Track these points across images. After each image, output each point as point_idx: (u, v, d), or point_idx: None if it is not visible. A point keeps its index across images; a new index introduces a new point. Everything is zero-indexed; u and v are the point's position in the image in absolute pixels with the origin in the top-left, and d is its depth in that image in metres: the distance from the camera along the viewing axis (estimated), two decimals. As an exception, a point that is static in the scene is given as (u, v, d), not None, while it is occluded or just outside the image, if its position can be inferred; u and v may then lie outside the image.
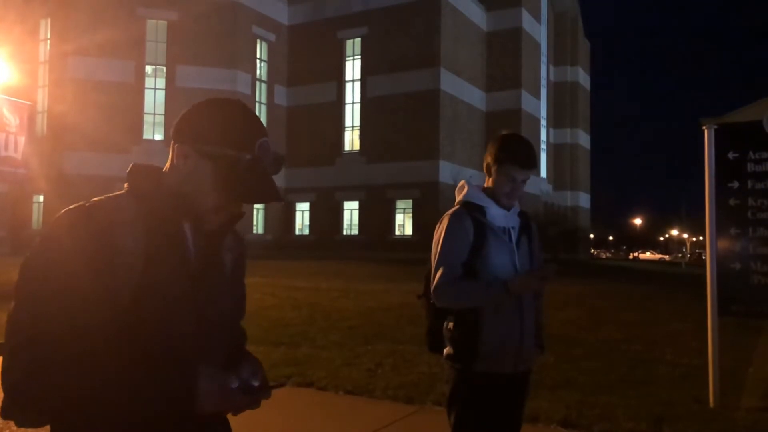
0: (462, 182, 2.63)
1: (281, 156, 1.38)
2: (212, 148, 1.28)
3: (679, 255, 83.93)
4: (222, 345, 1.38)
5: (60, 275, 1.16)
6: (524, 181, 2.49)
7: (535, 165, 2.51)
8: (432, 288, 2.44)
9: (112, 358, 1.16)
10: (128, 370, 1.16)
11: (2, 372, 1.14)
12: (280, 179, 34.32)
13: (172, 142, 1.35)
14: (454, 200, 2.64)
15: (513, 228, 2.52)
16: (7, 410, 1.16)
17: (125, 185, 1.32)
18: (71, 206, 1.24)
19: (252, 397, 1.26)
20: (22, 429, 1.22)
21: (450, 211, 2.54)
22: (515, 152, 2.48)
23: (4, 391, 1.14)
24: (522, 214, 2.61)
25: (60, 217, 1.22)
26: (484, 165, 2.59)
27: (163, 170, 1.34)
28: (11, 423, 4.53)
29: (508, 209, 2.51)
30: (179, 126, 1.32)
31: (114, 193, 1.31)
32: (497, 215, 2.50)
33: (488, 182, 2.54)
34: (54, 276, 1.16)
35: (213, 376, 1.22)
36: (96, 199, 1.26)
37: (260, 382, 1.32)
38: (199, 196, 1.29)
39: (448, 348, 2.50)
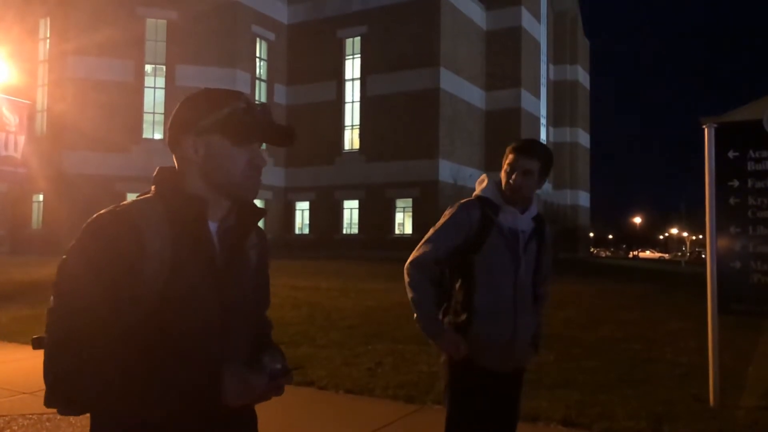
0: (483, 176, 2.64)
1: (267, 105, 1.44)
2: (209, 120, 1.35)
3: (679, 254, 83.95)
4: (248, 338, 1.44)
5: (92, 277, 1.22)
6: (527, 173, 2.46)
7: (532, 153, 2.48)
8: (406, 262, 2.51)
9: (142, 356, 1.23)
10: (158, 367, 1.24)
11: (44, 366, 1.22)
12: (280, 178, 34.34)
13: (170, 148, 1.41)
14: (454, 199, 2.64)
15: (523, 231, 2.50)
16: (49, 400, 1.23)
17: (152, 188, 1.38)
18: (102, 210, 1.31)
19: (276, 383, 1.34)
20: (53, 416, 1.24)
21: (463, 201, 2.56)
22: (515, 143, 2.54)
23: (46, 384, 1.22)
24: (537, 219, 2.58)
25: (92, 221, 1.29)
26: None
27: (178, 173, 1.40)
28: (12, 423, 4.54)
29: (515, 203, 2.49)
30: (172, 130, 1.39)
31: (142, 196, 1.38)
32: (509, 216, 2.49)
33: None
34: (87, 277, 1.23)
35: (237, 374, 1.29)
36: (125, 203, 1.33)
37: (282, 367, 1.38)
38: (225, 170, 1.35)
39: None
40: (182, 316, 1.28)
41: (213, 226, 1.37)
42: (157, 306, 1.26)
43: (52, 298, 1.25)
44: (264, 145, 1.45)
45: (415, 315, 2.48)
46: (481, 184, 2.59)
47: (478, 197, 2.53)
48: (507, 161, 2.49)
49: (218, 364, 1.29)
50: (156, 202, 1.34)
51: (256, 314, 1.51)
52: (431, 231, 2.53)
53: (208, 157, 1.36)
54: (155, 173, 1.40)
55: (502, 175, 2.51)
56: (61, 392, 1.21)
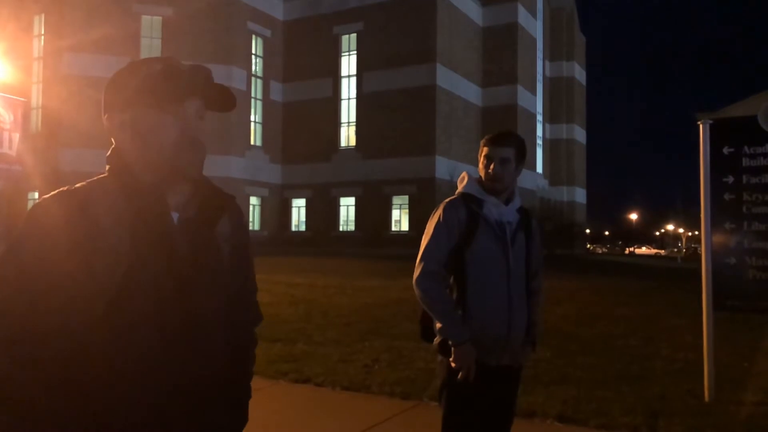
0: (464, 174, 2.68)
1: (201, 66, 1.27)
2: (127, 91, 1.22)
3: (675, 250, 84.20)
4: (222, 333, 1.31)
5: (42, 265, 1.12)
6: (504, 162, 2.53)
7: (506, 142, 2.57)
8: (413, 278, 2.52)
9: (95, 359, 1.12)
10: (113, 373, 1.13)
11: None
12: (276, 175, 34.28)
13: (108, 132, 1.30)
14: (450, 196, 2.66)
15: (509, 223, 2.54)
16: None
17: (107, 167, 1.27)
18: (48, 194, 1.20)
19: None
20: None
21: (447, 200, 2.59)
22: (488, 135, 2.62)
23: None
24: (522, 210, 2.62)
25: (38, 203, 1.18)
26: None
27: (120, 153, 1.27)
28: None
29: (497, 194, 2.54)
30: (103, 112, 1.28)
31: (94, 178, 1.26)
32: (494, 209, 2.53)
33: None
34: (35, 268, 1.12)
35: None
36: (77, 184, 1.23)
37: None
38: (155, 145, 1.21)
39: (437, 338, 2.52)
40: (138, 318, 1.16)
41: (174, 216, 1.24)
42: (112, 305, 1.14)
43: None
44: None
45: (438, 325, 2.47)
46: (462, 182, 2.65)
47: (462, 194, 2.58)
48: (483, 153, 2.58)
49: (183, 365, 1.19)
50: (109, 179, 1.23)
51: (234, 306, 1.37)
52: (426, 239, 2.53)
53: (135, 133, 1.22)
54: (109, 152, 1.27)
55: (480, 168, 2.59)
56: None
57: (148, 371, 1.16)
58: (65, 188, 1.20)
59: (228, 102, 1.29)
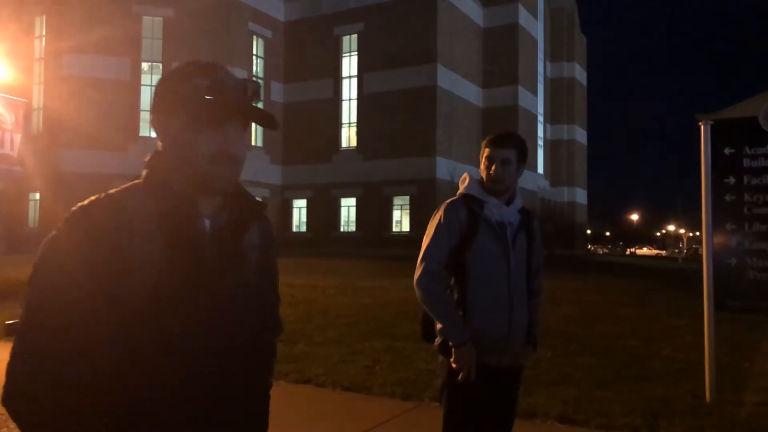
0: (465, 175, 2.70)
1: (247, 81, 1.23)
2: (170, 99, 1.21)
3: (676, 250, 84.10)
4: (245, 345, 1.30)
5: (74, 272, 1.12)
6: (505, 162, 2.53)
7: (508, 143, 2.58)
8: (414, 279, 2.52)
9: (127, 359, 1.13)
10: (142, 373, 1.14)
11: (11, 360, 1.12)
12: (277, 176, 34.29)
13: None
14: (451, 196, 2.67)
15: (510, 224, 2.55)
16: (8, 398, 1.12)
17: (143, 173, 1.25)
18: (87, 200, 1.19)
19: None
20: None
21: (448, 201, 2.60)
22: (490, 136, 2.63)
23: (8, 378, 1.12)
24: (523, 211, 2.63)
25: (76, 209, 1.18)
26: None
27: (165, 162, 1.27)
28: (9, 422, 4.52)
29: (498, 195, 2.54)
30: (150, 111, 1.28)
31: (129, 184, 1.25)
32: (495, 209, 2.53)
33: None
34: (67, 272, 1.12)
35: None
36: (112, 191, 1.21)
37: None
38: (189, 159, 1.19)
39: (438, 339, 2.52)
40: (169, 321, 1.16)
41: (206, 222, 1.24)
42: (144, 310, 1.14)
43: (27, 289, 1.15)
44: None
45: (439, 325, 2.48)
46: (463, 183, 2.66)
47: (463, 195, 2.59)
48: (484, 155, 2.59)
49: (208, 373, 1.20)
50: (145, 192, 1.21)
51: (257, 317, 1.36)
52: (427, 239, 2.54)
53: (174, 141, 1.21)
54: (148, 158, 1.27)
55: (482, 169, 2.59)
56: (25, 392, 1.10)
57: (172, 375, 1.17)
58: (101, 194, 1.20)
59: (270, 124, 1.25)
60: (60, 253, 1.14)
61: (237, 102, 1.19)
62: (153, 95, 1.26)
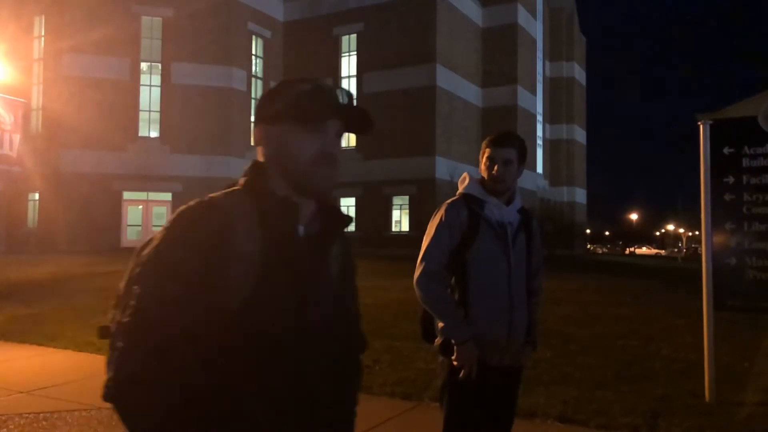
0: (465, 174, 2.70)
1: (346, 89, 1.33)
2: (276, 106, 1.29)
3: (675, 250, 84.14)
4: (332, 356, 1.33)
5: (179, 276, 1.16)
6: (507, 163, 2.54)
7: (508, 143, 2.58)
8: (414, 278, 2.52)
9: (219, 363, 1.16)
10: (234, 376, 1.17)
11: (115, 362, 1.14)
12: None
13: (255, 143, 1.36)
14: (450, 196, 2.67)
15: (510, 223, 2.55)
16: (114, 397, 1.14)
17: (240, 181, 1.30)
18: (190, 203, 1.24)
19: None
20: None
21: (449, 201, 2.60)
22: (490, 136, 2.64)
23: (115, 380, 1.14)
24: (522, 211, 2.63)
25: (181, 213, 1.22)
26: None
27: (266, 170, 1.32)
28: (8, 422, 4.52)
29: (498, 195, 2.55)
30: (254, 128, 1.35)
31: (228, 189, 1.29)
32: (495, 209, 2.54)
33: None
34: (173, 275, 1.16)
35: None
36: (214, 196, 1.26)
37: None
38: (294, 158, 1.27)
39: (438, 338, 2.53)
40: (264, 328, 1.19)
41: (300, 229, 1.29)
42: (239, 315, 1.17)
43: (135, 288, 1.17)
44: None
45: (440, 324, 2.49)
46: (463, 183, 2.66)
47: (463, 195, 2.60)
48: (485, 155, 2.59)
49: (296, 381, 1.22)
50: (244, 198, 1.26)
51: (346, 330, 1.40)
52: (427, 239, 2.55)
53: (278, 146, 1.29)
54: (249, 166, 1.33)
55: (482, 169, 2.60)
56: (134, 393, 1.13)
57: (262, 383, 1.19)
58: (205, 199, 1.24)
59: (366, 125, 1.33)
60: (167, 254, 1.18)
61: (336, 102, 1.28)
62: (257, 108, 1.35)
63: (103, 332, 1.29)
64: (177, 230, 1.20)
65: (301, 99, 1.27)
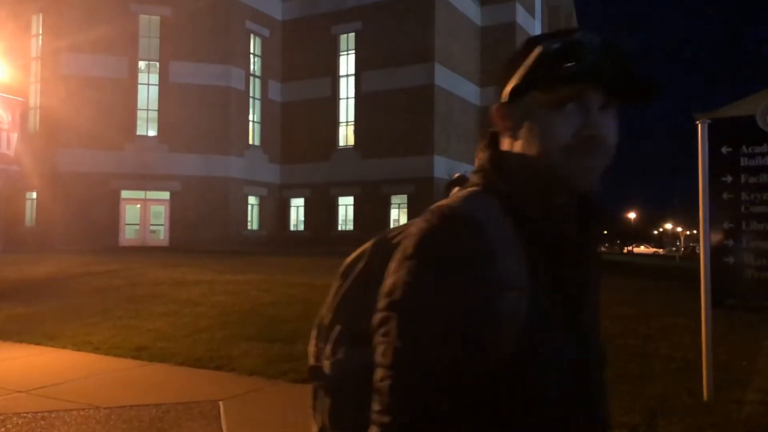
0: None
1: (616, 43, 0.96)
2: (516, 75, 0.98)
3: (673, 249, 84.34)
4: (602, 389, 1.06)
5: (447, 297, 0.88)
6: None
7: None
8: None
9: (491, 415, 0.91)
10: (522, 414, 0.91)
11: (395, 407, 0.89)
12: (275, 175, 34.26)
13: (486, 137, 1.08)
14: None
15: None
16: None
17: (474, 179, 1.02)
18: (428, 217, 0.95)
19: None
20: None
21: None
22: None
23: (399, 423, 0.89)
24: None
25: (426, 236, 0.92)
26: None
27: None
28: (6, 422, 4.51)
29: None
30: (493, 107, 1.05)
31: (465, 191, 1.00)
32: None
33: None
34: (442, 299, 0.89)
35: None
36: (451, 203, 0.96)
37: None
38: (539, 143, 0.95)
39: None
40: (541, 368, 0.91)
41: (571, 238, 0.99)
42: (509, 354, 0.89)
43: (397, 316, 0.91)
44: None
45: None
46: None
47: None
48: None
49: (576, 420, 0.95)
50: (492, 203, 0.96)
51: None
52: None
53: (517, 127, 0.98)
54: (486, 157, 1.02)
55: None
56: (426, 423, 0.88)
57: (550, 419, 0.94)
58: (446, 211, 0.94)
59: (646, 93, 0.96)
60: (430, 276, 0.90)
61: (598, 64, 0.91)
62: (499, 80, 1.04)
63: (315, 373, 1.08)
64: (432, 263, 0.90)
65: (545, 62, 0.94)
